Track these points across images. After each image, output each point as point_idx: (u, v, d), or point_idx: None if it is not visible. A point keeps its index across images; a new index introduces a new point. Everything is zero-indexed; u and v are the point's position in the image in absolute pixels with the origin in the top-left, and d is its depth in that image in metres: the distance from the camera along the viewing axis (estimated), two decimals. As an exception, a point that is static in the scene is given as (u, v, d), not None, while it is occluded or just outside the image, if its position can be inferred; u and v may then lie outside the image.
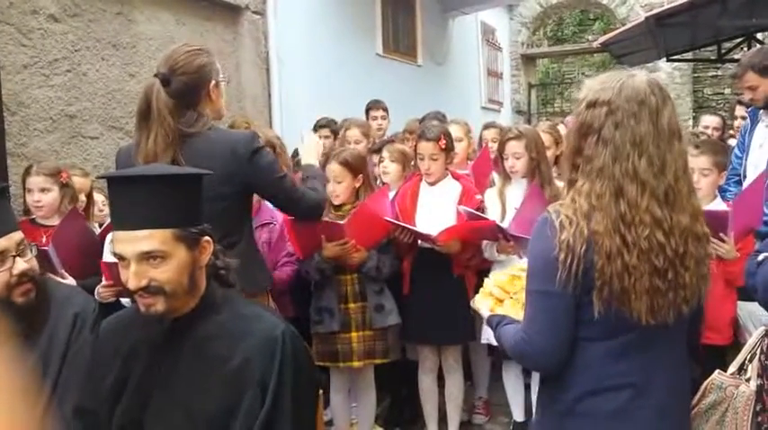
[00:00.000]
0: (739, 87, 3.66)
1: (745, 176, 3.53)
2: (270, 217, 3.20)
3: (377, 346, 3.19)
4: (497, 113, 11.68)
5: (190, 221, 1.53)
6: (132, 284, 1.48)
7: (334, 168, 3.16)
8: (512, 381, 3.48)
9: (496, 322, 1.72)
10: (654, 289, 1.41)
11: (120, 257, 1.50)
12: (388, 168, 3.68)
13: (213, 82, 2.34)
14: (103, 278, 2.71)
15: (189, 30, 5.20)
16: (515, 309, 1.72)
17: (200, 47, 2.37)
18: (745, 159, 3.64)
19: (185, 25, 5.18)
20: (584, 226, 1.42)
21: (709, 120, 5.37)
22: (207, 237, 1.57)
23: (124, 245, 1.48)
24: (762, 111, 3.63)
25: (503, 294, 1.80)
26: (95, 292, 2.75)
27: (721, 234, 2.62)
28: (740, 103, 4.49)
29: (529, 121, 12.83)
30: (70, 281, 2.75)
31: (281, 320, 1.62)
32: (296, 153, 4.06)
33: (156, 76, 2.24)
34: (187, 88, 2.26)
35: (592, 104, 1.47)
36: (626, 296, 1.40)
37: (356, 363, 3.16)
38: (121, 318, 1.72)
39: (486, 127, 5.12)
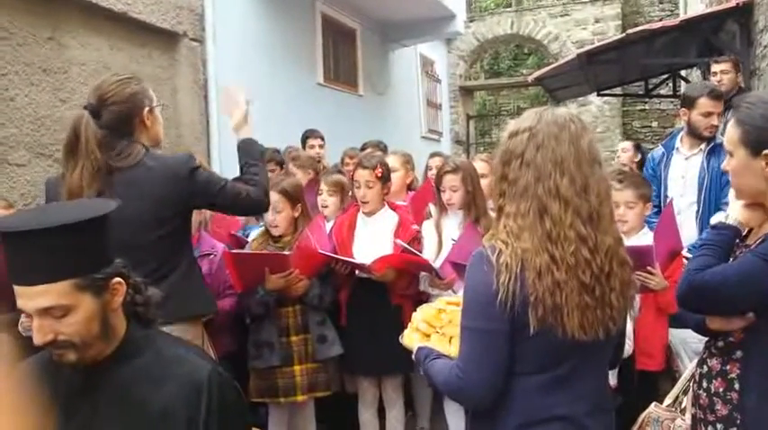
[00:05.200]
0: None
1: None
2: (210, 247, 3.13)
3: (319, 379, 3.13)
4: (437, 143, 11.85)
5: (93, 267, 1.40)
6: (37, 340, 1.36)
7: (273, 198, 3.11)
8: (453, 411, 3.46)
9: (424, 355, 1.69)
10: (584, 304, 1.43)
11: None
12: (327, 202, 3.67)
13: (146, 109, 2.32)
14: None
15: (124, 56, 5.09)
16: (441, 344, 1.71)
17: (130, 75, 2.36)
18: (664, 191, 3.74)
19: (121, 51, 5.06)
20: (517, 246, 1.44)
21: (623, 144, 6.13)
22: (117, 278, 1.45)
23: (23, 300, 1.36)
24: (678, 141, 3.80)
25: (429, 329, 1.78)
26: (19, 324, 2.62)
27: (649, 267, 2.70)
28: None
29: (467, 151, 13.08)
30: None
31: (208, 361, 1.53)
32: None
33: (85, 107, 2.21)
34: (119, 118, 2.24)
35: (514, 134, 1.52)
36: (558, 312, 1.41)
37: (300, 398, 3.09)
38: (36, 362, 1.56)
39: (432, 156, 5.19)
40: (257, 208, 2.59)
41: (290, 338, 3.08)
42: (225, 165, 5.64)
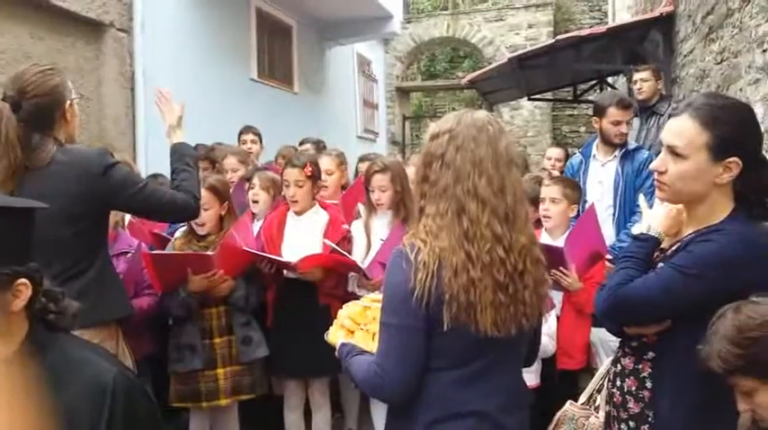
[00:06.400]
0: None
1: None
2: (127, 245, 3.02)
3: (244, 381, 3.06)
4: (373, 143, 11.87)
5: (1, 260, 1.33)
6: None
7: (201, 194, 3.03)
8: (379, 412, 3.46)
9: (346, 352, 1.70)
10: (497, 302, 1.46)
11: None
12: (258, 196, 3.61)
13: (68, 102, 2.22)
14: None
15: (45, 45, 4.87)
16: (365, 340, 1.72)
17: (51, 66, 2.25)
18: (583, 196, 3.81)
19: (42, 40, 4.84)
20: (435, 244, 1.47)
21: (554, 152, 5.79)
22: (23, 280, 1.37)
23: None
24: (594, 148, 3.95)
25: (353, 325, 1.79)
26: None
27: (561, 268, 2.79)
28: None
29: (403, 152, 13.16)
30: None
31: (115, 364, 1.47)
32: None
33: (4, 99, 2.10)
34: (39, 112, 2.14)
35: (435, 136, 1.55)
36: (472, 309, 1.44)
37: (223, 402, 3.01)
38: None
39: (362, 159, 5.17)
40: (181, 213, 2.45)
41: (214, 340, 3.00)
42: (151, 162, 5.46)
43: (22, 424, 0.72)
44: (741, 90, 3.64)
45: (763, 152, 1.72)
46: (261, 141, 5.26)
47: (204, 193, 3.02)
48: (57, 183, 2.10)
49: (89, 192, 2.15)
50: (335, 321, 1.89)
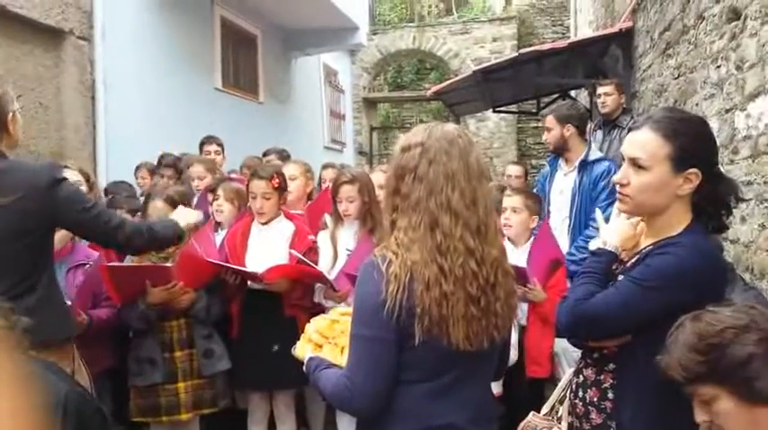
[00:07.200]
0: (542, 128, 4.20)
1: None
2: (85, 257, 2.95)
3: (205, 395, 3.02)
4: (340, 153, 11.86)
5: None
6: None
7: (158, 206, 2.98)
8: (345, 425, 3.43)
9: (315, 366, 1.67)
10: (469, 315, 1.46)
11: None
12: (222, 207, 3.57)
13: (11, 114, 2.15)
14: None
15: (2, 52, 4.77)
16: (333, 354, 1.70)
17: None
18: (547, 205, 3.96)
19: (-2, 47, 4.72)
20: (407, 257, 1.46)
21: (513, 170, 5.86)
22: None
23: None
24: (560, 159, 4.03)
25: (321, 339, 1.76)
26: None
27: (528, 284, 2.88)
28: None
29: (371, 162, 13.16)
30: None
31: (65, 381, 1.43)
32: None
33: None
34: None
35: (406, 148, 1.54)
36: (444, 322, 1.44)
37: (184, 416, 2.95)
38: None
39: (326, 167, 5.16)
40: (132, 242, 2.33)
41: (174, 354, 2.95)
42: (112, 172, 5.37)
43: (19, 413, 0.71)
44: (697, 105, 3.74)
45: (719, 166, 1.76)
46: (223, 152, 5.21)
47: (162, 205, 2.98)
48: (4, 197, 2.04)
49: (36, 207, 2.09)
50: (303, 335, 1.86)
